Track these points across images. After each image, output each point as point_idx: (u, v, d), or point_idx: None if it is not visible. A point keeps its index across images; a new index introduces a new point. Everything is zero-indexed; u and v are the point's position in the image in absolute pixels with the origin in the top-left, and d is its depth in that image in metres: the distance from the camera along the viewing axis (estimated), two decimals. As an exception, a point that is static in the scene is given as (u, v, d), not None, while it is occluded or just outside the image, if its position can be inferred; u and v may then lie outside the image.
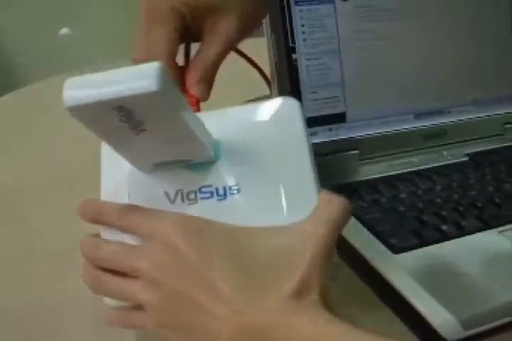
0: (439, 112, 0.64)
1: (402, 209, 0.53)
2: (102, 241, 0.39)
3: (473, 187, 0.57)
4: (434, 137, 0.64)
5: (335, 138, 0.60)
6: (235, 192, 0.38)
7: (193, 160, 0.40)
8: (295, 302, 0.33)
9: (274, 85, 0.56)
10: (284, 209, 0.38)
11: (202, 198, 0.39)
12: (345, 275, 0.49)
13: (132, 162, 0.39)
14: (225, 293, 0.33)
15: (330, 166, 0.59)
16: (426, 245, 0.49)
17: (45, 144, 0.73)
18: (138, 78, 0.30)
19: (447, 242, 0.50)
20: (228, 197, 0.39)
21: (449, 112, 0.65)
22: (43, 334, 0.45)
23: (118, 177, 0.41)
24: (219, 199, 0.39)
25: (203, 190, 0.39)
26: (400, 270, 0.46)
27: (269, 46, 0.56)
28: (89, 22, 1.89)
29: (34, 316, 0.46)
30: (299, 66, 0.57)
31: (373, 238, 0.50)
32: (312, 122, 0.59)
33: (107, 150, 0.41)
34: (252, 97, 0.80)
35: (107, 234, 0.40)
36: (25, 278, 0.51)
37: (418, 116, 0.63)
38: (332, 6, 0.58)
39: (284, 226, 0.36)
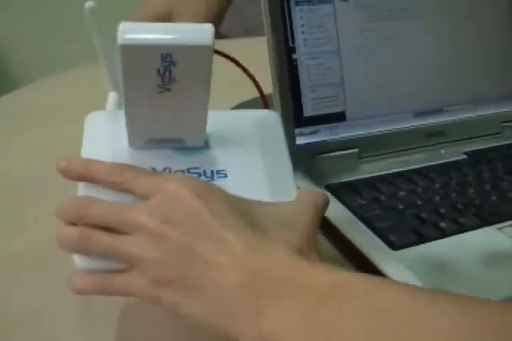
0: (437, 111, 0.65)
1: (401, 206, 0.54)
2: (91, 198, 0.37)
3: (471, 184, 0.57)
4: (433, 135, 0.65)
5: (335, 137, 0.60)
6: (222, 176, 0.40)
7: (184, 143, 0.41)
8: (301, 255, 0.34)
9: (275, 85, 0.57)
10: (268, 194, 0.40)
11: None
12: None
13: (131, 131, 0.40)
14: (234, 247, 0.33)
15: (330, 164, 0.59)
16: (425, 242, 0.50)
17: (44, 143, 0.73)
18: (195, 32, 0.34)
19: (446, 239, 0.50)
20: (216, 180, 0.40)
21: (447, 111, 0.65)
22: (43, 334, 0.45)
23: (100, 154, 0.40)
24: (206, 181, 0.39)
25: (191, 171, 0.40)
26: (399, 266, 0.46)
27: (269, 46, 0.57)
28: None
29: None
30: (299, 66, 0.58)
31: (373, 235, 0.50)
32: (312, 121, 0.59)
33: (91, 126, 0.42)
34: (240, 101, 0.81)
35: (89, 193, 0.38)
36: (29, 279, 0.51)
37: (417, 114, 0.64)
38: (332, 6, 0.59)
39: (278, 202, 0.39)
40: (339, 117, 0.61)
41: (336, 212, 0.53)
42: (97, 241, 0.36)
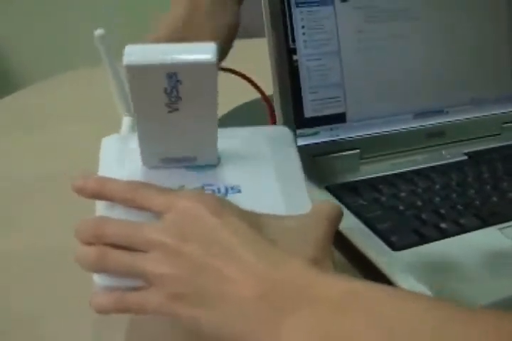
0: (437, 112, 0.65)
1: (401, 207, 0.54)
2: (106, 218, 0.38)
3: (472, 185, 0.57)
4: (433, 136, 0.65)
5: (335, 138, 0.61)
6: (236, 191, 0.41)
7: (197, 161, 0.41)
8: (316, 267, 0.34)
9: (276, 86, 0.57)
10: (282, 207, 0.40)
11: None
12: (347, 272, 0.50)
13: (144, 150, 0.41)
14: (248, 261, 0.34)
15: (331, 166, 0.59)
16: (426, 243, 0.50)
17: (45, 143, 0.73)
18: (198, 51, 0.35)
19: (447, 240, 0.50)
20: (230, 195, 0.40)
21: (447, 112, 0.66)
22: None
23: (115, 174, 0.41)
24: (220, 196, 0.40)
25: (206, 188, 0.41)
26: (400, 267, 0.46)
27: (269, 47, 0.57)
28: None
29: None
30: (299, 67, 0.58)
31: (373, 236, 0.50)
32: (313, 122, 0.59)
33: (106, 149, 0.43)
34: (241, 102, 0.81)
35: (105, 213, 0.39)
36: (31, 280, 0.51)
37: (417, 116, 0.64)
38: (332, 7, 0.59)
39: (292, 215, 0.39)
40: (340, 118, 0.61)
41: (337, 213, 0.53)
42: (113, 259, 0.37)
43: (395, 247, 0.49)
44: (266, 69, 0.57)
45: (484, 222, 0.52)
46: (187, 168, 0.42)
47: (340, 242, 0.52)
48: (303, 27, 0.58)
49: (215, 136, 0.40)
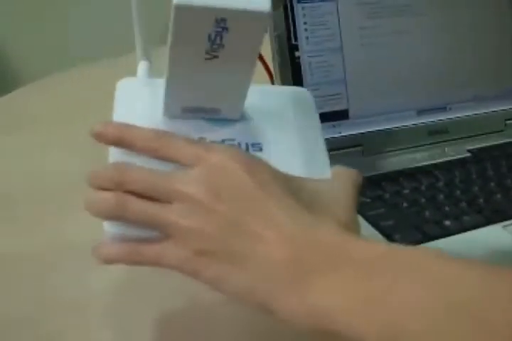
0: (441, 109, 0.65)
1: (405, 204, 0.53)
2: (130, 164, 0.35)
3: (475, 182, 0.57)
4: (437, 133, 0.64)
5: (338, 135, 0.60)
6: (257, 149, 0.39)
7: (220, 114, 0.40)
8: (348, 230, 0.33)
9: (278, 83, 0.57)
10: (302, 169, 0.39)
11: None
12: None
13: (169, 96, 0.39)
14: (282, 222, 0.32)
15: (333, 162, 0.59)
16: (429, 240, 0.49)
17: (46, 142, 0.73)
18: (253, 0, 0.33)
19: (450, 237, 0.50)
20: (250, 152, 0.39)
21: (450, 109, 0.65)
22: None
23: (132, 120, 0.38)
24: None
25: (226, 142, 0.39)
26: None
27: (272, 44, 0.57)
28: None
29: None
30: (301, 63, 0.58)
31: (377, 233, 0.50)
32: (315, 119, 0.59)
33: (122, 93, 0.41)
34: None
35: (121, 160, 0.36)
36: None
37: (420, 112, 0.64)
38: (334, 3, 0.58)
39: (320, 179, 0.38)
40: (342, 115, 0.60)
41: (340, 210, 0.53)
42: (135, 206, 0.34)
43: (398, 245, 0.49)
44: (270, 65, 0.57)
45: (488, 220, 0.52)
46: (208, 120, 0.40)
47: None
48: (305, 23, 0.57)
49: (245, 91, 0.39)
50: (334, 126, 0.60)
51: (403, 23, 0.61)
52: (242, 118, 0.40)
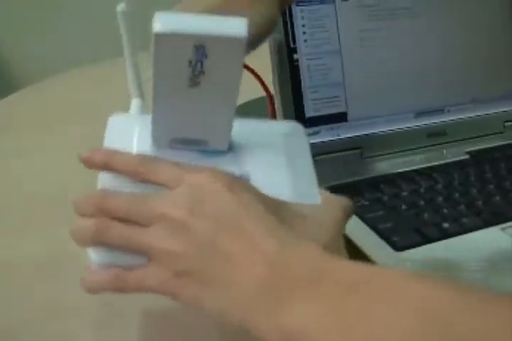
0: (439, 111, 0.65)
1: (403, 207, 0.54)
2: (110, 191, 0.36)
3: (474, 184, 0.57)
4: (435, 136, 0.64)
5: (337, 138, 0.60)
6: (246, 179, 0.39)
7: (207, 146, 0.40)
8: (329, 252, 0.33)
9: (277, 86, 0.57)
10: (291, 197, 0.39)
11: None
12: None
13: (156, 127, 0.39)
14: (259, 241, 0.32)
15: (332, 165, 0.59)
16: (428, 243, 0.49)
17: (48, 144, 0.73)
18: (229, 24, 0.34)
19: (449, 240, 0.50)
20: None
21: (449, 111, 0.65)
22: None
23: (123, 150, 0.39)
24: None
25: None
26: (402, 267, 0.46)
27: (270, 47, 0.57)
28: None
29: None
30: (300, 66, 0.58)
31: (376, 236, 0.50)
32: (314, 122, 0.59)
33: (113, 128, 0.42)
34: (246, 99, 0.81)
35: (108, 185, 0.37)
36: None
37: (419, 115, 0.64)
38: (332, 6, 0.58)
39: (306, 204, 0.38)
40: (341, 118, 0.60)
41: (339, 213, 0.53)
42: (115, 231, 0.34)
43: (397, 247, 0.49)
44: (267, 68, 0.57)
45: (487, 222, 0.52)
46: (196, 151, 0.41)
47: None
48: (303, 26, 0.57)
49: (230, 120, 0.39)
50: (333, 128, 0.60)
51: (401, 26, 0.62)
52: (231, 149, 0.41)
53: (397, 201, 0.54)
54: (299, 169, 0.41)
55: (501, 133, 0.67)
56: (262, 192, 0.36)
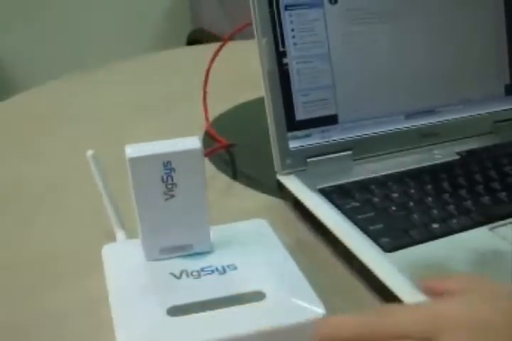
0: (429, 112, 0.65)
1: (394, 208, 0.54)
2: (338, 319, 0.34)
3: (463, 185, 0.58)
4: (425, 137, 0.65)
5: (328, 140, 0.61)
6: (233, 268, 0.45)
7: (193, 249, 0.46)
8: None
9: (267, 89, 0.57)
10: (276, 280, 0.44)
11: (204, 274, 0.45)
12: (339, 274, 0.50)
13: (145, 242, 0.45)
14: None
15: (323, 167, 0.60)
16: (417, 243, 0.50)
17: (49, 147, 0.74)
18: (186, 143, 0.43)
19: (438, 240, 0.50)
20: (227, 272, 0.45)
21: (439, 112, 0.66)
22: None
23: (124, 275, 0.45)
24: (220, 274, 0.45)
25: (205, 269, 0.45)
26: (392, 268, 0.47)
27: (260, 50, 0.57)
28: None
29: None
30: (289, 70, 0.58)
31: (365, 237, 0.50)
32: (305, 124, 0.60)
33: (108, 255, 0.48)
34: (240, 101, 0.81)
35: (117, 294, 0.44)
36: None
37: (409, 116, 0.64)
38: (321, 10, 0.59)
39: None
40: (331, 120, 0.61)
41: (329, 214, 0.53)
42: None
43: (386, 249, 0.49)
44: (258, 71, 0.57)
45: (476, 222, 0.52)
46: (185, 256, 0.46)
47: (333, 244, 0.52)
48: (292, 30, 0.58)
49: (206, 222, 0.46)
50: (323, 131, 0.61)
51: (390, 29, 0.62)
52: (213, 249, 0.47)
53: (387, 202, 0.55)
54: (275, 256, 0.48)
55: (491, 133, 0.68)
56: (249, 277, 0.43)
